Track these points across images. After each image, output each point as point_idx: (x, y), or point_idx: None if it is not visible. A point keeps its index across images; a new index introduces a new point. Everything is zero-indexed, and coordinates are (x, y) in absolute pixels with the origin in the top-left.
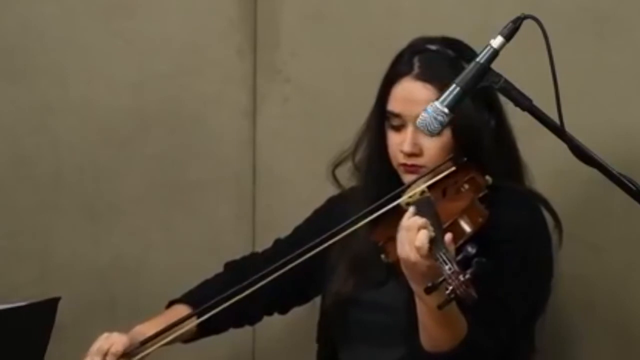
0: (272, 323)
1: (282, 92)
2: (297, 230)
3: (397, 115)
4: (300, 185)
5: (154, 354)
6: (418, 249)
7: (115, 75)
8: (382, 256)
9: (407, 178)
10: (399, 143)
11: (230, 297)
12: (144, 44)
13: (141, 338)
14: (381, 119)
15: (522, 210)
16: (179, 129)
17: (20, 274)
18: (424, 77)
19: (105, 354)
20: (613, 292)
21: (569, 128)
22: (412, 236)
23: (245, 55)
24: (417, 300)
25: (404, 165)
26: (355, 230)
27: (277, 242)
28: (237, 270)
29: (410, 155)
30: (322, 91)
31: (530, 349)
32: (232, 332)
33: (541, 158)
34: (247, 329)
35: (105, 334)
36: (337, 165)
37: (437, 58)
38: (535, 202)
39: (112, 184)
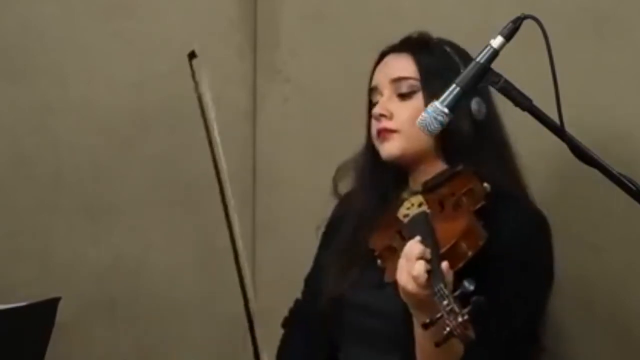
0: (273, 323)
1: (282, 92)
2: (317, 259)
3: (374, 89)
4: (300, 185)
5: (156, 354)
6: (415, 279)
7: (115, 75)
8: (379, 262)
9: (383, 148)
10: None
11: None
12: (144, 44)
13: None
14: (369, 110)
15: (521, 216)
16: (179, 129)
17: (20, 274)
18: (400, 48)
19: None
20: (613, 292)
21: (569, 128)
22: (410, 265)
23: (245, 55)
24: (415, 323)
25: (379, 133)
26: (353, 233)
27: (308, 281)
28: (304, 330)
29: (380, 117)
30: (322, 91)
31: (536, 349)
32: (231, 333)
33: (541, 158)
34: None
35: None
36: (338, 180)
37: (417, 38)
38: (534, 206)
39: (112, 184)
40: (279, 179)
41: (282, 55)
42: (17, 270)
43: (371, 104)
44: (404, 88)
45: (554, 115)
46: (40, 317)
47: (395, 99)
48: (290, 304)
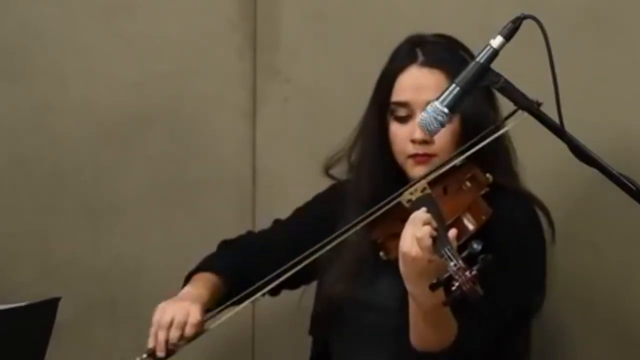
0: (273, 323)
1: (282, 92)
2: (298, 214)
3: (405, 105)
4: (300, 186)
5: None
6: (419, 241)
7: (115, 75)
8: (381, 253)
9: (416, 171)
10: (407, 134)
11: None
12: (144, 44)
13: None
14: (382, 114)
15: (516, 211)
16: (179, 129)
17: (20, 274)
18: (429, 63)
19: (184, 325)
20: (613, 292)
21: (569, 128)
22: (416, 230)
23: (245, 56)
24: (410, 301)
25: (415, 156)
26: (354, 231)
27: (277, 222)
28: (237, 250)
29: (421, 143)
30: (322, 91)
31: (526, 349)
32: (230, 332)
33: (541, 158)
34: (246, 319)
35: (164, 306)
36: (330, 166)
37: (437, 47)
38: (530, 202)
39: (112, 184)
40: (279, 179)
41: (282, 56)
42: (17, 271)
43: (385, 110)
44: None
45: (554, 115)
46: (40, 317)
47: None
48: (290, 304)
